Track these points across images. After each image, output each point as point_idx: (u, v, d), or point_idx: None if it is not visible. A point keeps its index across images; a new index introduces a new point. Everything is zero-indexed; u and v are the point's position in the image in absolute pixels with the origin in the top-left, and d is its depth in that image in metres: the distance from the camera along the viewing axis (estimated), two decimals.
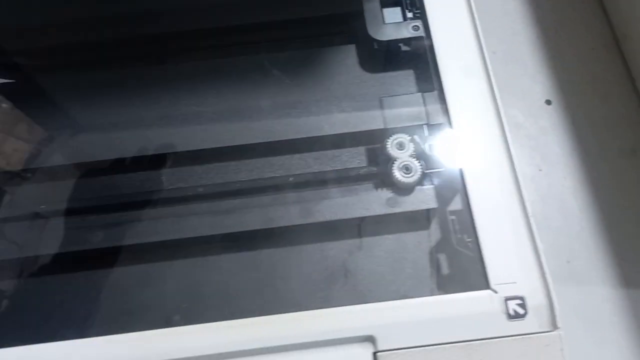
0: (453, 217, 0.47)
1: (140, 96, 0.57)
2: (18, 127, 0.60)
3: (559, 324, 0.41)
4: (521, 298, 0.41)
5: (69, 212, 0.52)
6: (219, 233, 0.50)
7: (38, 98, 0.59)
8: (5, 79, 0.60)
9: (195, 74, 0.57)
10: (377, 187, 0.49)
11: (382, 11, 0.55)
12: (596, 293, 0.64)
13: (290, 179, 0.50)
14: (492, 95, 0.49)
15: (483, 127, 0.48)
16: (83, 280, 0.51)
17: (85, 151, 0.56)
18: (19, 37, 0.60)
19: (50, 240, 0.52)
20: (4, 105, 0.61)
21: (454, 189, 0.46)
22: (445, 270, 0.47)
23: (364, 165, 0.51)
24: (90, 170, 0.54)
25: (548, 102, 0.76)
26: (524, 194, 0.45)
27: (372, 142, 0.51)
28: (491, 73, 0.51)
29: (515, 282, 0.42)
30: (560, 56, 0.79)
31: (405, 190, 0.48)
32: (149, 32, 0.57)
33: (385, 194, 0.48)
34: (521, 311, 0.41)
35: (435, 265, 0.47)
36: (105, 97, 0.57)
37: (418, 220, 0.48)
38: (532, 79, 0.78)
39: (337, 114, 0.52)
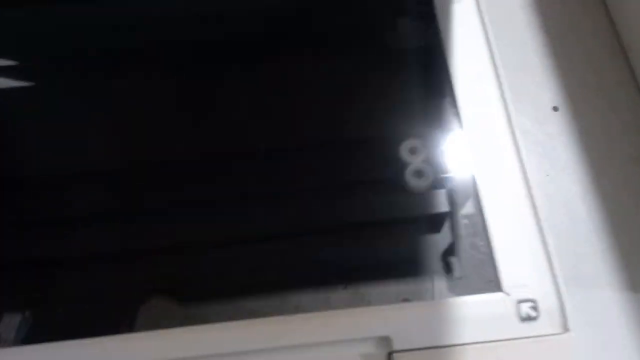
0: (465, 220, 0.48)
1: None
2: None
3: (570, 326, 0.42)
4: (533, 301, 0.42)
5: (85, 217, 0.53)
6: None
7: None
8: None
9: (228, 79, 0.58)
10: (389, 191, 0.50)
11: (395, 20, 0.56)
12: (603, 296, 0.65)
13: (302, 181, 0.51)
14: (503, 102, 0.50)
15: (494, 133, 0.49)
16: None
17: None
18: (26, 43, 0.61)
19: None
20: None
21: (466, 193, 0.47)
22: (458, 273, 0.47)
23: (377, 169, 0.52)
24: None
25: (555, 109, 0.77)
26: (536, 198, 0.46)
27: (385, 147, 0.52)
28: (503, 79, 0.52)
29: (527, 285, 0.43)
30: (568, 64, 0.79)
31: (417, 194, 0.49)
32: (175, 40, 0.58)
33: (398, 198, 0.49)
34: (533, 314, 0.42)
35: (448, 268, 0.48)
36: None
37: (430, 224, 0.49)
38: (540, 87, 0.79)
39: (350, 120, 0.54)
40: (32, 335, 0.48)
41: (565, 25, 0.82)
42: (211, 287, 0.51)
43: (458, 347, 0.42)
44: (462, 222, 0.48)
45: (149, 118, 0.57)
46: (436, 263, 0.48)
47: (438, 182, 0.49)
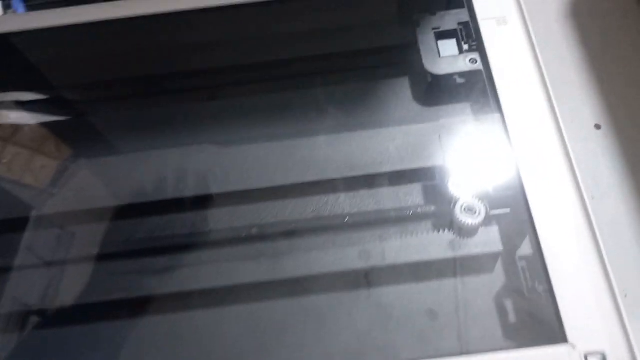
0: (523, 262, 0.44)
1: (179, 127, 0.56)
2: (47, 144, 0.59)
3: None
4: (602, 353, 0.39)
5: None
6: (265, 280, 0.48)
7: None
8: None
9: (244, 107, 0.55)
10: (437, 228, 0.47)
11: (437, 44, 0.53)
12: None
13: (346, 219, 0.48)
14: (557, 126, 0.47)
15: (549, 162, 0.45)
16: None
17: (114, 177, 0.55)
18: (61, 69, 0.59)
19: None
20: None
21: (522, 231, 0.44)
22: (516, 320, 0.44)
23: (422, 204, 0.49)
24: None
25: (597, 127, 0.73)
26: (599, 236, 0.42)
27: (431, 180, 0.49)
28: (554, 102, 0.49)
29: (594, 335, 0.40)
30: (609, 80, 0.76)
31: (468, 232, 0.46)
32: (197, 67, 0.55)
33: (447, 235, 0.46)
34: None
35: (505, 315, 0.44)
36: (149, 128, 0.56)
37: (484, 265, 0.46)
38: (581, 103, 0.75)
39: (393, 150, 0.50)
40: None
41: (605, 40, 0.78)
42: None
43: None
44: (519, 264, 0.44)
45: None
46: (492, 308, 0.44)
47: (490, 219, 0.46)
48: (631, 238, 0.67)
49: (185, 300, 0.47)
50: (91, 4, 0.54)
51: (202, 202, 0.51)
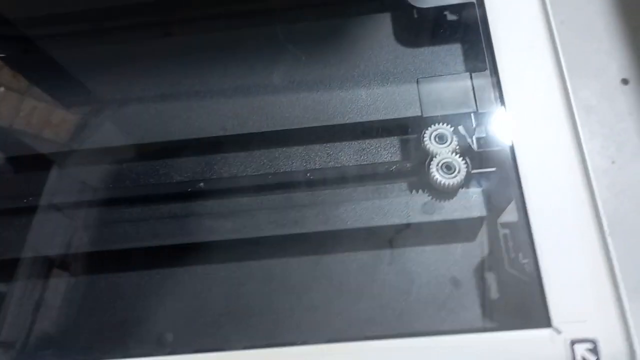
0: (506, 230, 0.37)
1: (139, 72, 0.50)
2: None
3: None
4: (593, 341, 0.32)
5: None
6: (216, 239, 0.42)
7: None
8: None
9: (200, 46, 0.48)
10: (412, 188, 0.40)
11: None
12: None
13: (308, 174, 0.42)
14: (560, 76, 0.39)
15: (547, 117, 0.38)
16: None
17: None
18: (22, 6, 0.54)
19: None
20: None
21: (508, 195, 0.37)
22: (494, 299, 0.37)
23: (396, 160, 0.42)
24: None
25: (625, 82, 0.65)
26: (599, 204, 0.35)
27: (407, 133, 0.42)
28: (559, 48, 0.41)
29: (585, 321, 0.33)
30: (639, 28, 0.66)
31: (446, 193, 0.39)
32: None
33: (422, 197, 0.39)
34: (592, 358, 0.32)
35: (482, 293, 0.37)
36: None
37: (462, 232, 0.39)
38: (607, 55, 0.66)
39: (366, 98, 0.43)
40: None
41: None
42: None
43: None
44: (501, 232, 0.37)
45: None
46: (468, 283, 0.38)
47: (472, 180, 0.39)
48: None
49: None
50: None
51: (145, 152, 0.45)
